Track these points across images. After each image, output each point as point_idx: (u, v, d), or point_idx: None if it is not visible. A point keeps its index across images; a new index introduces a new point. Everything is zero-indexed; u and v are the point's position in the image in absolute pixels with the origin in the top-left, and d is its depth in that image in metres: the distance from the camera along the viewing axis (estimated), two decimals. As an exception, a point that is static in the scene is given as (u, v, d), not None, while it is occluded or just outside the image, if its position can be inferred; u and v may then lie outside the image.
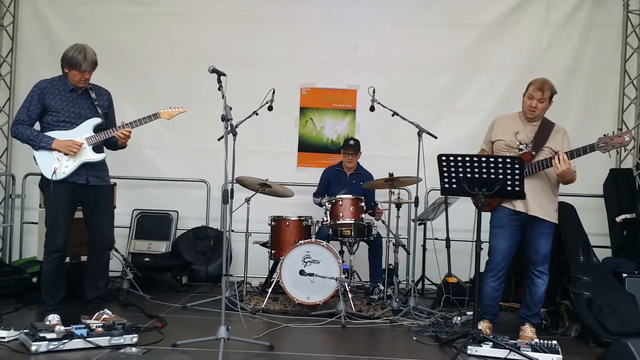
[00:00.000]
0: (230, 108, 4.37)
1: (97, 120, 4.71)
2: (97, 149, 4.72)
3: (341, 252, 6.10)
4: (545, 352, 4.20)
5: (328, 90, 7.37)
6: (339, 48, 7.32)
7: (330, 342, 4.75)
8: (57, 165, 4.55)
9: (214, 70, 4.42)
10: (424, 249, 6.59)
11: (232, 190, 5.86)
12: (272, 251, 6.04)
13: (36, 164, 4.62)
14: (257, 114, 6.00)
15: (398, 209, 5.99)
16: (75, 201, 4.73)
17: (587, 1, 7.17)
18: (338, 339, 4.83)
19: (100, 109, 4.76)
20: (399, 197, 6.01)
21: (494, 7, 7.26)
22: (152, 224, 7.24)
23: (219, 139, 5.79)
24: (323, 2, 7.37)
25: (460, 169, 4.31)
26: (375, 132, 7.21)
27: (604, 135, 4.55)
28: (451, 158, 4.31)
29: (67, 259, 5.43)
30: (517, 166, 4.22)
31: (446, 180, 4.38)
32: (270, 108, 6.03)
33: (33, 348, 3.94)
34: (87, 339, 4.10)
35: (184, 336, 4.35)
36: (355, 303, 5.82)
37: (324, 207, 5.94)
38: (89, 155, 4.67)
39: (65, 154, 4.57)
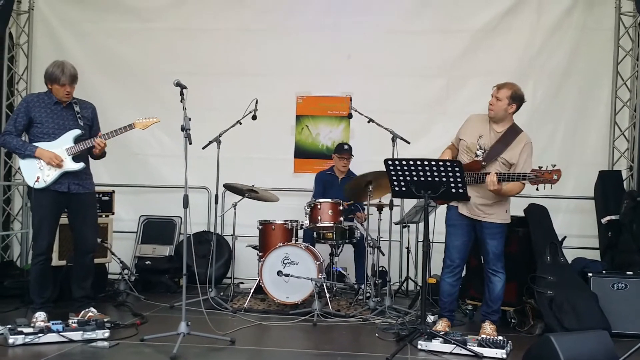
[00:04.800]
0: (190, 119, 4.66)
1: (77, 132, 5.07)
2: (76, 158, 5.06)
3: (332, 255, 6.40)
4: (490, 347, 4.38)
5: (323, 98, 7.63)
6: (333, 56, 7.56)
7: (293, 338, 5.01)
8: (39, 175, 4.95)
9: (177, 84, 4.73)
10: (408, 251, 6.75)
11: (216, 195, 6.32)
12: (260, 253, 6.33)
13: (21, 174, 5.03)
14: (240, 123, 6.30)
15: (380, 212, 6.20)
16: (59, 208, 5.11)
17: (578, 4, 7.21)
18: (303, 335, 5.09)
19: (82, 121, 5.12)
20: (380, 201, 6.21)
21: (485, 13, 7.37)
22: (157, 229, 7.63)
23: (203, 147, 6.20)
24: (317, 12, 7.63)
25: (407, 173, 4.51)
26: (369, 138, 7.37)
27: (539, 167, 4.69)
28: (397, 162, 4.52)
29: (64, 262, 5.89)
30: (457, 169, 4.40)
31: (395, 183, 4.59)
32: (254, 117, 6.30)
33: (10, 341, 4.36)
34: (61, 334, 4.48)
35: (159, 332, 4.63)
36: (340, 303, 6.09)
37: (305, 211, 6.20)
38: (69, 165, 5.02)
39: (47, 164, 4.95)
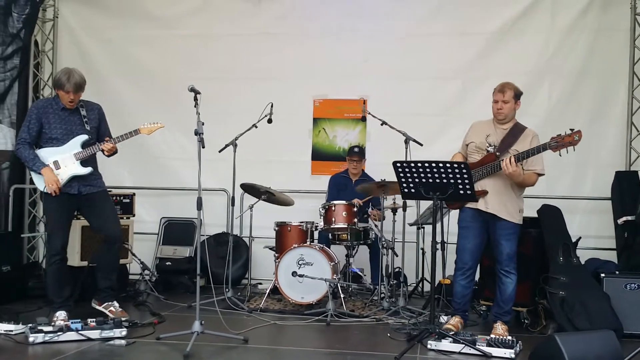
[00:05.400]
0: (203, 123, 4.78)
1: (84, 137, 5.22)
2: (84, 163, 5.23)
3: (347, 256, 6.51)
4: (499, 346, 4.43)
5: (339, 101, 7.72)
6: (350, 60, 7.65)
7: (306, 337, 5.11)
8: None
9: (192, 89, 4.83)
10: (423, 252, 6.79)
11: (232, 197, 6.43)
12: (276, 255, 6.43)
13: (31, 177, 5.24)
14: (256, 127, 6.42)
15: (394, 214, 6.27)
16: (71, 209, 5.31)
17: (593, 6, 7.20)
18: (316, 334, 5.19)
19: (89, 124, 5.26)
20: (394, 202, 6.28)
21: (500, 15, 7.40)
22: (177, 230, 7.77)
23: (219, 151, 6.34)
24: (333, 17, 7.72)
25: (415, 174, 4.59)
26: (385, 140, 7.42)
27: (558, 135, 4.70)
28: (405, 164, 4.60)
29: (86, 263, 6.07)
30: (464, 170, 4.46)
31: (404, 185, 4.67)
32: (269, 121, 6.41)
33: (30, 339, 4.53)
34: (80, 332, 4.63)
35: (175, 331, 4.76)
36: (355, 304, 6.17)
37: (319, 212, 6.30)
38: (77, 169, 5.19)
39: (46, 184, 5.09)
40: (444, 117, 7.49)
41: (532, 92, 7.25)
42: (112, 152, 5.31)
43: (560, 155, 4.76)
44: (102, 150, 5.24)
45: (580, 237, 5.92)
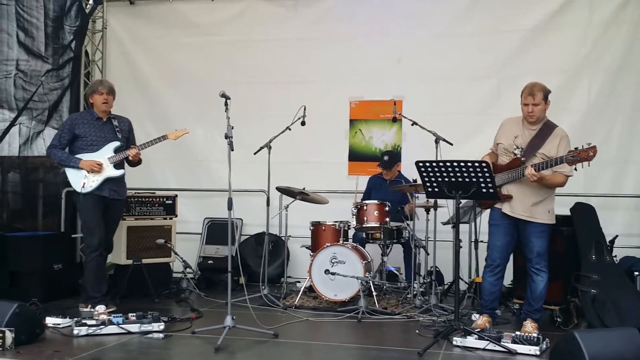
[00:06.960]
0: (232, 127, 4.97)
1: (116, 144, 5.71)
2: (117, 166, 5.70)
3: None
4: (524, 343, 4.46)
5: (375, 102, 7.81)
6: (384, 61, 7.72)
7: (336, 333, 5.23)
8: (85, 181, 5.59)
9: (222, 95, 5.05)
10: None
11: (268, 198, 6.63)
12: (311, 253, 6.59)
13: (68, 181, 5.72)
14: (289, 129, 6.59)
15: (427, 213, 6.35)
16: (102, 209, 5.69)
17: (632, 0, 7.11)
18: (346, 330, 5.32)
19: (120, 134, 5.76)
20: (427, 201, 6.35)
21: (535, 13, 7.33)
22: (220, 230, 8.00)
23: (254, 153, 6.55)
24: (366, 19, 7.83)
25: (438, 174, 4.67)
26: (421, 140, 7.47)
27: (575, 148, 4.70)
28: (427, 164, 4.68)
29: (130, 262, 6.38)
30: (485, 169, 4.51)
31: (428, 184, 4.75)
32: (303, 123, 6.57)
33: (75, 332, 4.82)
34: (121, 326, 4.90)
35: (211, 326, 4.96)
36: (390, 301, 6.27)
37: (352, 212, 6.43)
38: (111, 172, 5.67)
39: (89, 172, 5.55)
40: (479, 116, 7.47)
41: (570, 89, 7.20)
42: (137, 161, 5.77)
43: (575, 170, 4.77)
44: (127, 157, 5.68)
45: (617, 235, 5.89)
